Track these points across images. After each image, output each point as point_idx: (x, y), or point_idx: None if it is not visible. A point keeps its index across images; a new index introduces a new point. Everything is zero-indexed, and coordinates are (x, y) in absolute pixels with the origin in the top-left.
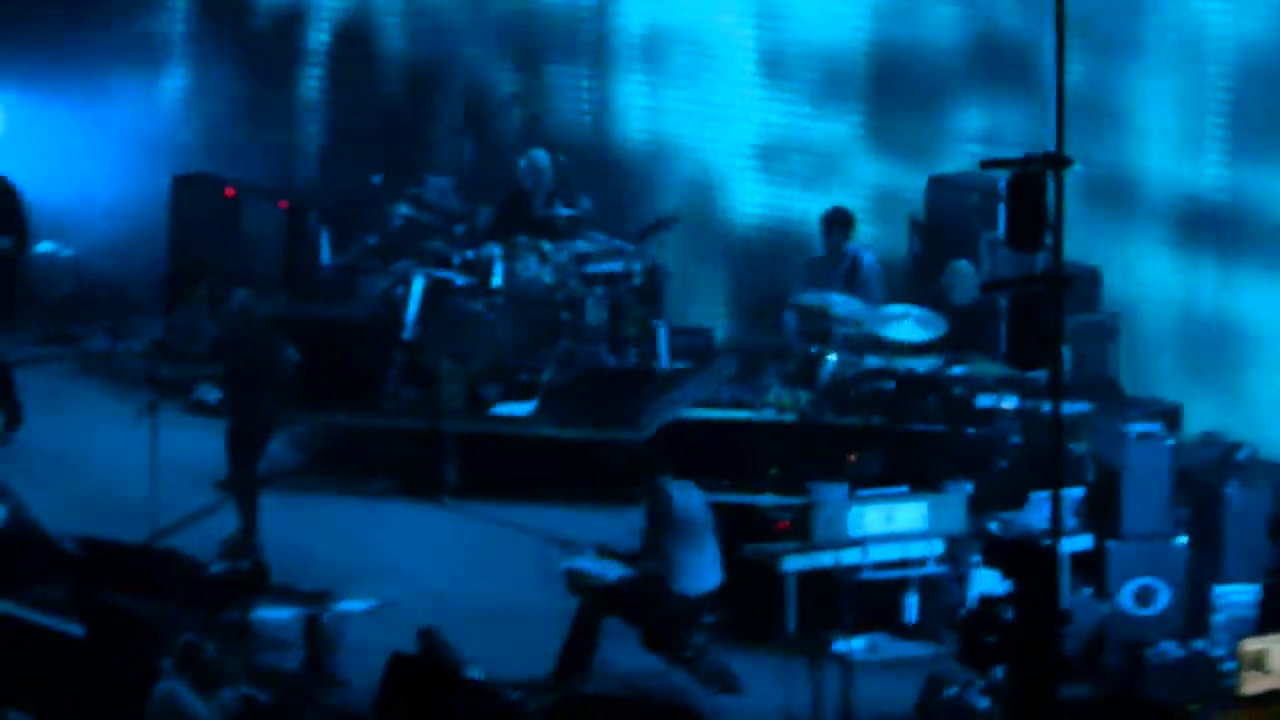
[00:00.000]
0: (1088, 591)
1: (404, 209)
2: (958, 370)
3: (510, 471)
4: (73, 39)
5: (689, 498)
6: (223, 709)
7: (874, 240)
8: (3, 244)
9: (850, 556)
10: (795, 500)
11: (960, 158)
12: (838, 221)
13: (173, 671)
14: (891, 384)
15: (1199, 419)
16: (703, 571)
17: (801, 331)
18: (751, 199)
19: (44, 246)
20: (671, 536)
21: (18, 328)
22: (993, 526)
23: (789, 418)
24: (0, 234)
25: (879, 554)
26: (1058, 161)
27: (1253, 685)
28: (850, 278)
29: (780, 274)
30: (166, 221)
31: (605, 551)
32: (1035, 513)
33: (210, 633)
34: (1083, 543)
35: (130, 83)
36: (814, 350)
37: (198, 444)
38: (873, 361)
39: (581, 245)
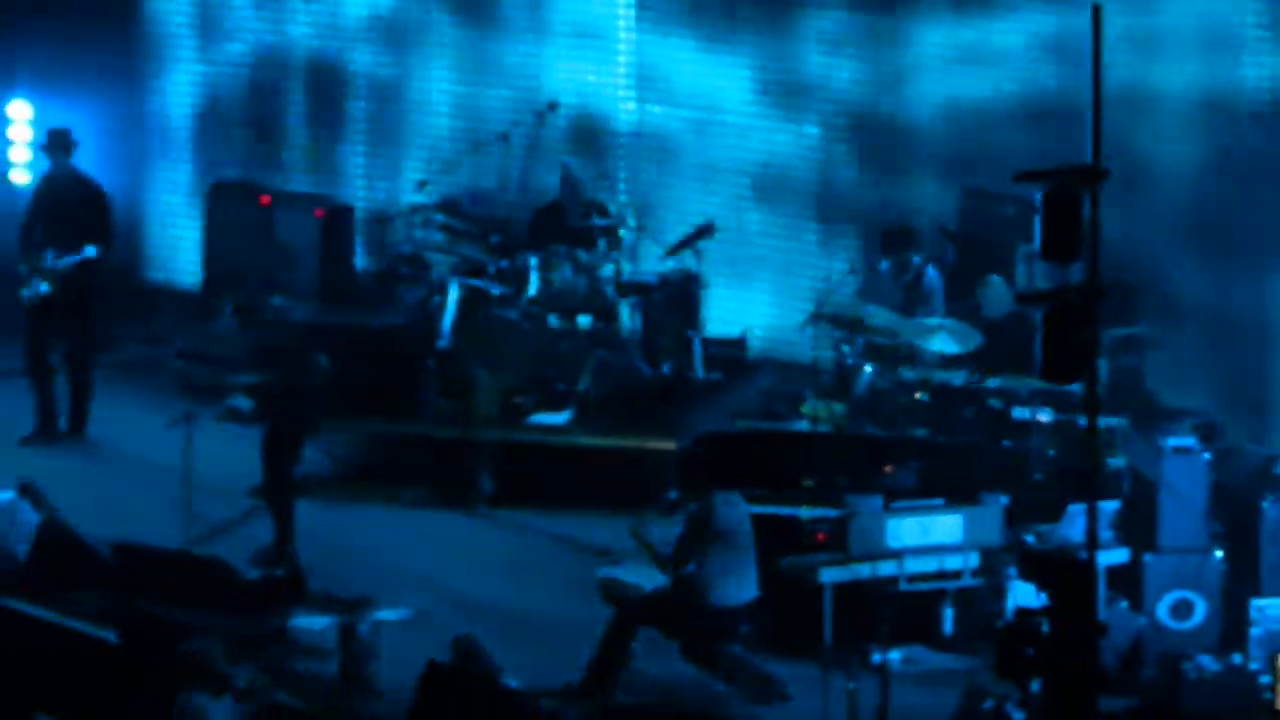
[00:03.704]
0: (1124, 605)
1: (440, 217)
2: (993, 383)
3: (545, 480)
4: (108, 42)
5: (732, 510)
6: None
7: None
8: (90, 251)
9: (887, 568)
10: (832, 512)
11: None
12: (902, 235)
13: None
14: (927, 396)
15: (1236, 432)
16: (739, 584)
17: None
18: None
19: (84, 252)
20: (711, 548)
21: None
22: (1029, 539)
23: (824, 429)
24: (91, 241)
25: (915, 566)
26: (1093, 174)
27: None
28: (913, 290)
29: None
30: (202, 229)
31: (654, 555)
32: (1071, 526)
33: (228, 640)
34: (1119, 556)
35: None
36: (849, 361)
37: (233, 451)
38: (908, 373)
39: (617, 255)
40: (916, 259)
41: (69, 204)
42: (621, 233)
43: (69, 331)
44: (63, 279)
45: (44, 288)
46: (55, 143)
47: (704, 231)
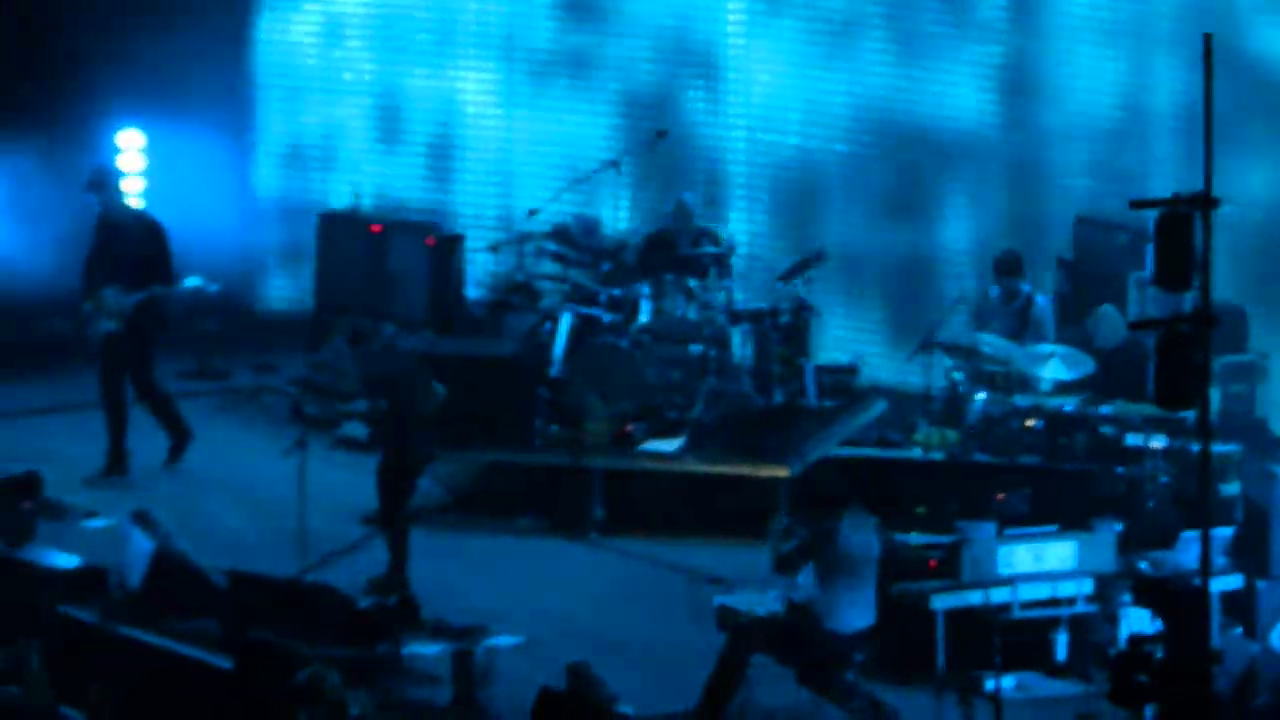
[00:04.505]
0: (1238, 631)
1: (551, 245)
2: (1106, 410)
3: (658, 508)
4: (216, 74)
5: (859, 536)
6: None
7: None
8: (158, 290)
9: (999, 595)
10: (944, 539)
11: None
12: (1011, 264)
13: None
14: (1040, 423)
15: None
16: (857, 611)
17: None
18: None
19: (190, 282)
20: (831, 572)
21: (162, 362)
22: (1143, 566)
23: (937, 456)
24: (154, 277)
25: (1028, 593)
26: (1206, 201)
27: None
28: (1023, 318)
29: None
30: (313, 257)
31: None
32: (1185, 552)
33: (342, 667)
34: (1232, 583)
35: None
36: (961, 389)
37: (345, 480)
38: (1021, 400)
39: (728, 282)
40: (1025, 286)
41: (129, 241)
42: (732, 260)
43: (134, 364)
44: (129, 316)
45: (111, 325)
46: (98, 181)
47: (815, 259)
